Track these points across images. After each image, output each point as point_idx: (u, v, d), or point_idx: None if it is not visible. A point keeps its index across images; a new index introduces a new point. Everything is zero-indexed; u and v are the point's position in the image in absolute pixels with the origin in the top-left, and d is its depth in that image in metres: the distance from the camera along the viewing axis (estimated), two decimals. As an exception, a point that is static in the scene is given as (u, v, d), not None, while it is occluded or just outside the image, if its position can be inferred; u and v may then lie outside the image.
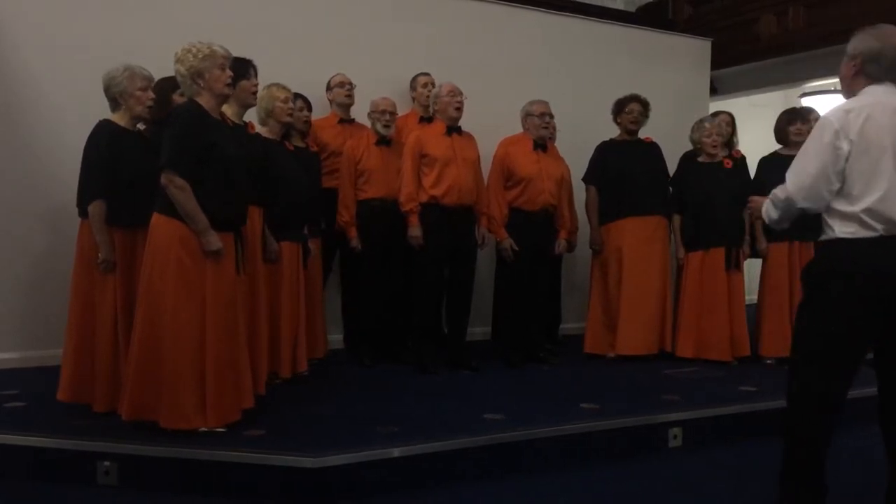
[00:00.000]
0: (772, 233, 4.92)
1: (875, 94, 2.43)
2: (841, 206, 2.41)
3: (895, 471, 2.50)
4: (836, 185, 2.40)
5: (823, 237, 2.50)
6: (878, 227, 2.36)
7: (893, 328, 2.42)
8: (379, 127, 4.67)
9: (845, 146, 2.36)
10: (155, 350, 3.02)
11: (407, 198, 4.44)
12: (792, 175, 2.48)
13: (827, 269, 2.46)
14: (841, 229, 2.41)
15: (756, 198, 2.78)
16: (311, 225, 4.34)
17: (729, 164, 5.00)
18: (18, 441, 3.03)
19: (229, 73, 3.17)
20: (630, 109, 5.07)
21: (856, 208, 2.38)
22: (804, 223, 4.62)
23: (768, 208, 2.60)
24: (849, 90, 2.53)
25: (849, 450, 2.90)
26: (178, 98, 3.42)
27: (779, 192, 2.54)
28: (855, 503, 2.73)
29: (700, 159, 5.05)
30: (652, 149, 5.17)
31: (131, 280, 3.33)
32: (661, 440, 3.51)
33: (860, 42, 2.48)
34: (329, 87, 5.02)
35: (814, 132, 2.46)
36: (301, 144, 4.47)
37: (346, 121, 5.01)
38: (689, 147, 5.22)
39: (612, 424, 3.44)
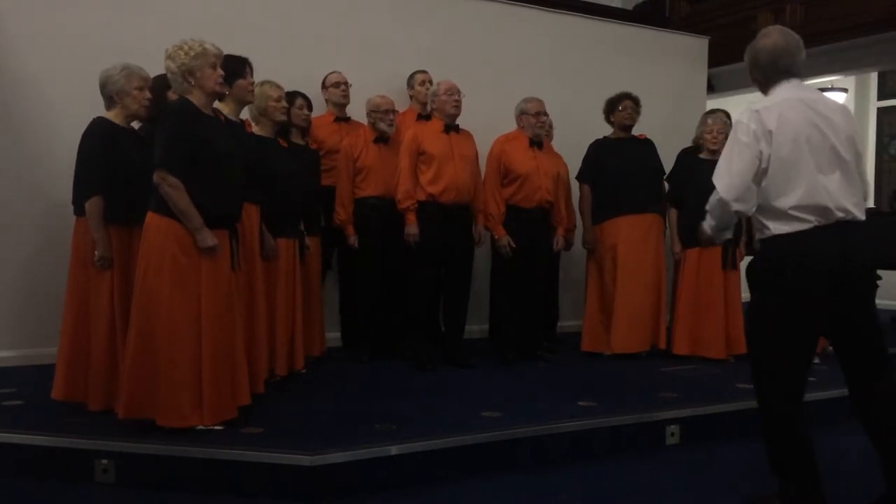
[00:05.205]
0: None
1: (781, 92, 2.54)
2: (769, 204, 2.47)
3: (885, 456, 2.52)
4: (760, 184, 2.47)
5: (760, 236, 2.56)
6: (811, 218, 2.42)
7: (841, 317, 2.47)
8: (382, 126, 4.65)
9: (764, 145, 2.44)
10: (151, 348, 3.01)
11: (404, 195, 4.43)
12: (718, 178, 2.52)
13: (767, 267, 2.52)
14: (776, 226, 2.47)
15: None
16: (309, 222, 4.33)
17: None
18: (15, 439, 3.03)
19: (220, 71, 3.16)
20: (623, 107, 5.06)
21: (784, 205, 2.44)
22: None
23: (707, 219, 2.65)
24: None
25: (853, 448, 2.90)
26: (171, 96, 3.40)
27: (711, 198, 2.58)
28: (857, 500, 2.72)
29: (702, 155, 5.01)
30: (646, 146, 5.16)
31: (128, 278, 3.32)
32: (658, 438, 3.52)
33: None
34: (324, 86, 5.01)
35: (731, 134, 2.56)
36: (301, 142, 4.46)
37: (342, 119, 5.01)
38: (686, 144, 5.21)
39: (610, 422, 3.45)
